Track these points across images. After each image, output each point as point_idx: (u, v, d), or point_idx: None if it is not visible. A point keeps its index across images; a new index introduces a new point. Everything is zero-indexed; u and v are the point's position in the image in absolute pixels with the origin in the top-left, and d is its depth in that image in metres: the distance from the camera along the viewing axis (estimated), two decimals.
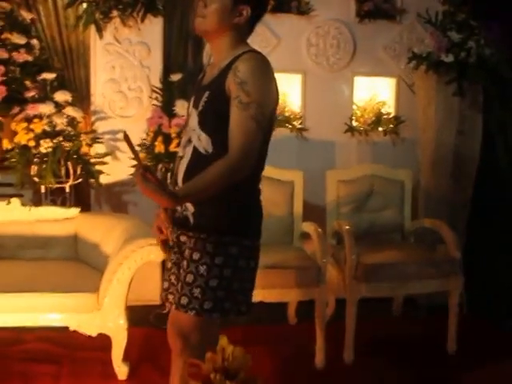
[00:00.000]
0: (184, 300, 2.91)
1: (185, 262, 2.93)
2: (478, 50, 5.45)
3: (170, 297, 3.09)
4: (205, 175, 2.72)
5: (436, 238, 5.14)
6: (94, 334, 4.21)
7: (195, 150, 2.88)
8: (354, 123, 5.99)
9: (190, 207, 2.88)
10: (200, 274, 2.88)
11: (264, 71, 2.82)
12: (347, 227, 4.75)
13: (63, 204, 5.17)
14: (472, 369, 4.63)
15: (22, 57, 5.18)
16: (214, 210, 2.87)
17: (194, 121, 2.91)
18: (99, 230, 4.76)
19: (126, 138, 2.77)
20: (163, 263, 5.09)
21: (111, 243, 4.50)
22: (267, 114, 2.82)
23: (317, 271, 4.48)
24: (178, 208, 2.92)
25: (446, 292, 4.87)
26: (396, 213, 5.41)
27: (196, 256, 2.89)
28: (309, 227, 4.77)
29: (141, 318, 4.82)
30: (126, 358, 4.25)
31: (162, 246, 3.09)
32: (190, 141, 2.91)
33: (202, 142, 2.86)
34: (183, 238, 2.99)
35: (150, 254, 4.22)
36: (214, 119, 2.83)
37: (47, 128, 4.99)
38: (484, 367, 4.65)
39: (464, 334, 4.95)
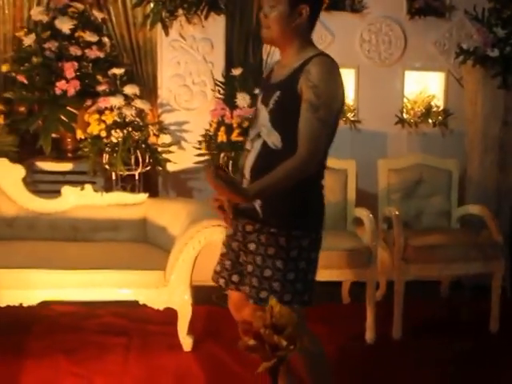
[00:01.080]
0: (264, 294, 2.98)
1: (259, 258, 3.01)
2: None
3: (221, 281, 3.25)
4: (275, 173, 2.80)
5: (481, 223, 5.23)
6: (161, 307, 4.45)
7: (265, 144, 2.98)
8: (405, 115, 6.05)
9: (257, 200, 2.97)
10: (277, 269, 2.98)
11: (333, 75, 2.92)
12: (396, 212, 4.86)
13: (133, 190, 5.34)
14: None
15: (93, 53, 5.40)
16: (283, 204, 2.95)
17: (264, 117, 3.00)
18: (166, 213, 4.95)
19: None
20: None
21: (178, 226, 4.69)
22: (334, 116, 2.93)
23: (368, 253, 4.66)
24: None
25: (490, 274, 4.97)
26: (443, 200, 5.49)
27: (271, 251, 2.98)
28: (361, 212, 4.91)
29: (204, 297, 4.94)
30: (191, 331, 4.49)
31: (219, 210, 3.15)
32: (259, 135, 3.00)
33: (272, 137, 2.96)
34: (249, 228, 3.07)
35: (213, 234, 4.42)
36: (285, 117, 2.93)
37: (118, 119, 5.17)
38: None
39: (507, 316, 5.07)
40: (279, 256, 2.98)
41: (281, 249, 2.98)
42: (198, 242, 4.46)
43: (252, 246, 3.05)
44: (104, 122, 5.18)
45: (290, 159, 2.83)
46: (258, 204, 2.97)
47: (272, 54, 5.46)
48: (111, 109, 5.21)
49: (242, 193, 2.78)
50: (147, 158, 5.33)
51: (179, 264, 4.44)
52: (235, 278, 3.19)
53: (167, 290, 4.44)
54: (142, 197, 5.10)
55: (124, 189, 5.39)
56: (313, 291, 3.12)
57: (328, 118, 2.89)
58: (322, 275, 3.29)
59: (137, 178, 5.40)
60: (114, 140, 5.16)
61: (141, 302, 4.50)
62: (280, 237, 2.98)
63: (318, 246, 3.11)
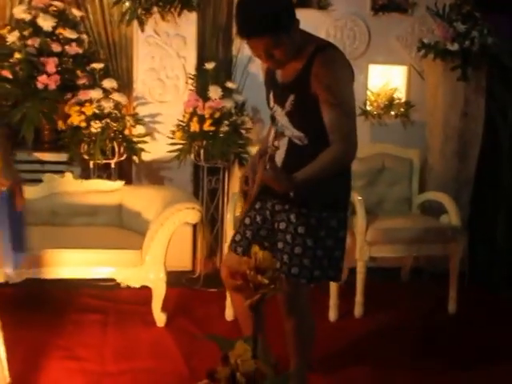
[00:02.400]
0: (295, 270, 3.22)
1: (289, 236, 3.22)
2: (481, 39, 5.77)
3: (239, 249, 3.45)
4: (319, 163, 2.97)
5: (440, 210, 5.52)
6: (137, 285, 4.80)
7: (291, 141, 3.21)
8: (368, 107, 6.28)
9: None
10: (308, 247, 3.20)
11: (342, 67, 3.08)
12: (359, 198, 5.09)
13: (108, 179, 5.58)
14: (469, 328, 5.11)
15: (73, 50, 5.60)
16: (313, 189, 3.07)
17: (283, 118, 3.21)
18: (141, 199, 5.28)
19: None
20: (194, 234, 5.75)
21: (152, 211, 5.00)
22: (353, 103, 3.11)
23: None
24: None
25: (449, 259, 5.29)
26: (405, 188, 5.80)
27: (302, 230, 3.19)
28: None
29: (175, 280, 5.29)
30: (164, 309, 4.83)
31: (243, 195, 3.35)
32: (283, 134, 3.20)
33: (297, 136, 3.18)
34: (279, 208, 3.29)
35: (187, 216, 4.80)
36: (305, 118, 3.13)
37: (97, 111, 5.40)
38: (481, 328, 5.14)
39: (464, 299, 5.41)
40: (310, 234, 3.21)
41: (311, 228, 3.21)
42: (172, 224, 4.79)
43: (282, 225, 3.27)
44: (84, 113, 5.41)
45: (328, 152, 3.01)
46: None
47: (242, 50, 5.76)
48: (91, 101, 5.42)
49: (291, 182, 2.93)
50: (123, 148, 5.59)
51: (155, 244, 4.77)
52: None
53: (143, 268, 4.77)
54: (119, 184, 5.41)
55: (100, 178, 5.63)
56: (340, 267, 3.40)
57: (350, 110, 3.09)
58: None
59: (113, 167, 5.65)
60: (94, 130, 5.38)
61: (118, 280, 4.89)
62: (310, 218, 3.20)
63: (346, 225, 3.36)
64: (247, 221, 3.46)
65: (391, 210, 5.76)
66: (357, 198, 5.13)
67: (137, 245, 4.78)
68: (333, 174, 3.06)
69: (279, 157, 3.22)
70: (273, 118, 3.35)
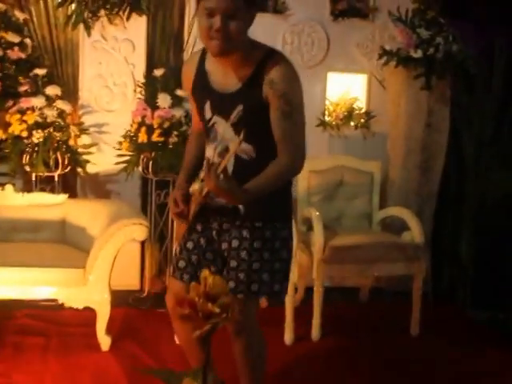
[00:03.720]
0: (255, 287, 3.17)
1: (244, 253, 3.16)
2: (445, 46, 5.75)
3: (186, 276, 3.30)
4: (269, 174, 2.96)
5: (402, 226, 5.47)
6: (80, 306, 4.67)
7: (237, 157, 3.10)
8: (327, 118, 6.23)
9: None
10: (266, 260, 3.16)
11: (295, 75, 3.05)
12: (317, 213, 5.04)
13: (52, 192, 5.46)
14: (433, 351, 5.00)
15: (15, 54, 5.47)
16: (267, 199, 3.02)
17: (227, 131, 3.10)
18: (86, 214, 5.16)
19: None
20: (142, 251, 5.69)
21: (97, 226, 4.91)
22: (304, 115, 3.08)
23: None
24: (223, 200, 3.03)
25: (411, 278, 5.22)
26: (365, 202, 5.74)
27: (258, 244, 3.15)
28: None
29: (121, 300, 5.21)
30: (109, 332, 4.71)
31: (177, 217, 3.24)
32: (227, 149, 3.06)
33: (244, 149, 3.09)
34: (227, 226, 3.22)
35: (134, 233, 4.70)
36: (253, 128, 3.03)
37: (39, 119, 5.30)
38: (445, 350, 5.03)
39: (428, 319, 5.34)
40: (266, 248, 3.17)
41: (267, 241, 3.17)
42: (118, 241, 4.69)
43: (235, 243, 3.19)
44: (25, 122, 5.31)
45: (278, 163, 3.00)
46: None
47: None
48: (33, 109, 5.34)
49: (243, 194, 2.89)
50: (67, 159, 5.49)
51: (99, 262, 4.65)
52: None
53: (86, 288, 4.65)
54: (62, 197, 5.28)
55: (43, 190, 5.52)
56: (288, 281, 3.36)
57: (302, 120, 3.06)
58: None
59: (56, 179, 5.54)
60: (36, 140, 5.28)
61: (60, 301, 4.70)
62: (266, 230, 3.16)
63: (292, 235, 3.34)
64: (190, 245, 3.35)
65: (350, 226, 5.69)
66: (314, 213, 5.09)
67: (80, 263, 4.66)
68: (281, 184, 3.06)
69: None
70: (210, 132, 3.22)
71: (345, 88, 6.37)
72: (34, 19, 5.84)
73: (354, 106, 6.34)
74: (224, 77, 3.09)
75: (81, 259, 4.68)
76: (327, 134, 6.29)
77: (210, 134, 3.20)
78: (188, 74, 3.26)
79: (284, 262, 3.27)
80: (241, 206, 3.11)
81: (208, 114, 3.18)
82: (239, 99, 3.06)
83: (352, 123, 6.31)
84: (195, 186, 3.13)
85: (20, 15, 5.74)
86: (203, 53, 3.19)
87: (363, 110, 6.37)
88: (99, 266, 4.66)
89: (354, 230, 5.56)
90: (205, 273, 2.29)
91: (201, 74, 3.18)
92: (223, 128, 3.13)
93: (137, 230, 4.71)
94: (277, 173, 3.00)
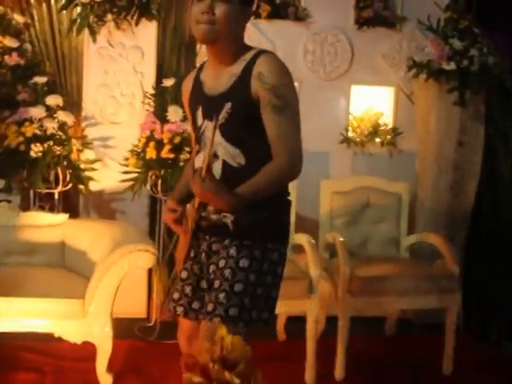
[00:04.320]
0: (234, 311, 2.89)
1: (228, 271, 2.92)
2: (480, 58, 5.46)
3: (179, 309, 3.12)
4: (262, 177, 2.79)
5: (433, 253, 5.16)
6: (78, 341, 4.29)
7: (225, 164, 2.91)
8: (350, 134, 6.01)
9: (228, 214, 2.91)
10: (250, 283, 2.91)
11: (286, 71, 2.88)
12: (341, 239, 4.77)
13: (51, 211, 5.21)
14: None
15: (13, 60, 5.24)
16: (255, 216, 2.88)
17: (216, 135, 2.89)
18: (87, 236, 4.84)
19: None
20: (150, 276, 5.40)
21: (99, 250, 4.57)
22: (298, 113, 2.89)
23: (308, 283, 4.50)
24: (213, 216, 2.94)
25: (442, 310, 4.88)
26: (392, 227, 5.44)
27: (244, 263, 2.91)
28: (301, 238, 4.77)
29: (126, 330, 4.91)
30: (110, 368, 4.33)
31: (174, 225, 3.09)
32: (215, 155, 2.90)
33: (232, 154, 2.91)
34: (216, 247, 3.01)
35: (138, 259, 4.34)
36: (241, 130, 2.89)
37: (38, 132, 5.02)
38: None
39: (460, 355, 4.95)
40: (253, 269, 2.92)
41: (255, 261, 2.92)
42: (121, 268, 4.33)
43: (221, 263, 2.96)
44: (23, 134, 5.02)
45: (273, 164, 2.82)
46: (229, 219, 2.91)
47: None
48: (31, 120, 5.06)
49: (232, 197, 2.72)
50: (68, 175, 5.21)
51: (100, 292, 4.28)
52: (196, 304, 3.10)
53: (86, 321, 4.28)
54: (62, 217, 4.96)
55: (42, 209, 5.27)
56: (274, 310, 3.07)
57: (296, 117, 2.87)
58: None
59: (56, 197, 5.26)
60: (34, 154, 5.01)
61: (56, 335, 4.33)
62: (255, 249, 2.93)
63: (284, 260, 3.08)
64: (184, 274, 3.14)
65: (376, 252, 5.39)
66: (338, 239, 4.83)
67: (79, 292, 4.27)
68: (277, 189, 2.89)
69: None
70: (200, 140, 3.03)
71: (370, 102, 6.13)
72: (36, 23, 5.60)
73: (380, 121, 6.08)
74: (216, 79, 2.97)
75: (80, 288, 4.32)
76: (351, 152, 6.03)
77: (200, 143, 3.03)
78: (186, 88, 3.19)
79: (267, 288, 3.00)
80: (230, 223, 2.91)
81: (199, 120, 3.04)
82: (228, 98, 2.91)
83: (377, 140, 6.05)
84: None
85: (20, 19, 5.52)
86: (201, 65, 3.14)
87: (390, 126, 6.10)
88: (100, 296, 4.29)
89: (381, 258, 5.26)
90: (221, 331, 1.94)
91: (197, 84, 3.09)
92: (212, 132, 2.86)
93: (142, 256, 4.34)
94: (271, 174, 2.82)
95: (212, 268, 3.01)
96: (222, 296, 2.89)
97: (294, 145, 2.84)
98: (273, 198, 2.86)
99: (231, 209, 2.78)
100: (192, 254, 3.11)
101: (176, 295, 3.14)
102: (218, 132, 2.86)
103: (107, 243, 4.55)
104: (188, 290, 3.10)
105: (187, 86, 3.15)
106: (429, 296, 4.86)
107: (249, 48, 2.95)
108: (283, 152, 2.80)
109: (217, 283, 2.94)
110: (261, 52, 2.90)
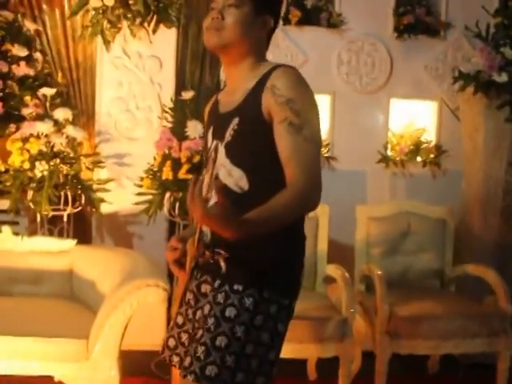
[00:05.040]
0: (212, 370, 2.48)
1: (212, 320, 2.53)
2: None
3: (175, 358, 2.77)
4: (272, 205, 2.36)
5: (482, 287, 4.85)
6: None
7: (227, 190, 2.52)
8: (389, 152, 5.75)
9: (222, 251, 2.53)
10: (236, 338, 2.49)
11: (305, 84, 2.54)
12: (379, 272, 4.48)
13: (61, 234, 4.98)
14: None
15: (21, 70, 5.05)
16: (256, 255, 2.51)
17: (220, 154, 2.60)
18: (96, 265, 4.57)
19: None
20: (169, 304, 5.01)
21: (107, 282, 4.31)
22: (319, 131, 2.57)
23: (342, 324, 4.15)
24: (207, 251, 2.56)
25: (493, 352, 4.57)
26: (435, 256, 5.14)
27: (231, 313, 2.50)
28: (334, 271, 4.45)
29: (141, 365, 4.66)
30: None
31: (174, 266, 2.70)
32: (217, 178, 2.58)
33: (234, 177, 2.55)
34: (205, 289, 2.62)
35: (148, 296, 4.02)
36: (248, 150, 2.55)
37: (44, 148, 4.76)
38: None
39: None
40: (241, 321, 2.48)
41: (245, 311, 2.49)
42: (129, 306, 3.98)
43: (206, 309, 2.57)
44: (28, 151, 4.76)
45: (287, 191, 2.40)
46: (222, 257, 2.53)
47: None
48: (37, 136, 4.79)
49: (239, 223, 2.27)
50: (79, 196, 4.92)
51: (105, 332, 3.92)
52: None
53: (89, 363, 3.93)
54: (69, 243, 4.69)
55: (51, 232, 5.00)
56: (272, 374, 2.61)
57: (315, 135, 2.50)
58: (283, 352, 2.75)
59: (65, 219, 4.96)
60: (38, 173, 4.72)
61: (56, 379, 4.05)
62: (246, 296, 2.50)
63: (288, 316, 2.63)
64: (179, 319, 2.75)
65: (418, 286, 5.03)
66: (376, 272, 4.50)
67: (83, 330, 3.92)
68: (290, 220, 2.42)
69: None
70: (207, 162, 2.70)
71: (410, 118, 5.84)
72: (48, 31, 5.36)
73: (422, 138, 5.78)
74: (230, 96, 2.64)
75: (85, 325, 3.98)
76: (389, 172, 5.74)
77: (207, 165, 2.70)
78: (206, 111, 2.90)
79: (261, 347, 2.54)
80: (222, 261, 2.51)
81: (210, 141, 2.72)
82: (237, 114, 2.57)
83: (419, 159, 5.75)
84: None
85: (31, 26, 5.30)
86: (222, 90, 2.87)
87: (432, 144, 5.80)
88: (106, 336, 3.92)
89: (423, 292, 4.88)
90: None
91: (215, 104, 2.79)
92: (220, 152, 2.60)
93: (152, 292, 3.99)
94: (285, 203, 2.36)
95: (198, 314, 2.63)
96: (200, 350, 2.52)
97: (313, 170, 2.44)
98: (280, 232, 2.45)
99: (236, 235, 2.30)
100: (187, 298, 2.72)
101: (172, 342, 2.79)
102: (222, 151, 2.55)
103: (116, 275, 4.27)
104: (184, 338, 2.73)
105: (208, 108, 2.87)
106: (477, 339, 4.53)
107: (267, 62, 2.65)
108: (300, 177, 2.40)
109: (199, 333, 2.57)
110: (279, 65, 2.58)
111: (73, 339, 3.90)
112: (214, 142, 2.64)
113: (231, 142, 2.54)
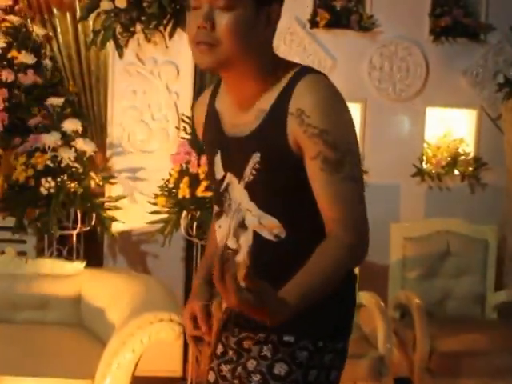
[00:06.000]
0: None
1: (257, 378, 2.11)
2: None
3: None
4: (315, 270, 1.93)
5: None
6: None
7: (258, 237, 2.07)
8: (425, 165, 5.38)
9: None
10: None
11: (339, 101, 1.98)
12: (418, 301, 4.09)
13: (70, 253, 4.65)
14: None
15: (29, 79, 4.76)
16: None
17: (242, 195, 2.09)
18: (106, 291, 4.22)
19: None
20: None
21: (117, 310, 3.93)
22: (360, 161, 2.08)
23: (378, 361, 3.79)
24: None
25: None
26: (477, 280, 4.76)
27: (281, 369, 2.09)
28: (367, 299, 4.09)
29: None
30: None
31: (194, 342, 2.25)
32: (243, 225, 2.09)
33: (267, 225, 2.06)
34: (248, 344, 2.20)
35: (161, 331, 3.62)
36: (278, 192, 2.03)
37: (50, 164, 4.41)
38: None
39: None
40: (293, 379, 2.06)
41: (298, 367, 2.06)
42: (139, 342, 3.57)
43: (251, 365, 2.14)
44: (33, 166, 4.41)
45: (329, 248, 1.95)
46: None
47: None
48: (44, 150, 4.44)
49: (280, 305, 1.82)
50: (89, 214, 4.58)
51: (113, 371, 3.51)
52: None
53: None
54: (78, 266, 4.35)
55: (60, 252, 4.69)
56: None
57: (357, 169, 1.99)
58: None
59: (74, 239, 4.63)
60: (44, 191, 4.36)
61: None
62: (299, 350, 2.09)
63: (343, 360, 2.20)
64: (211, 377, 2.29)
65: (457, 312, 4.65)
66: (414, 301, 4.13)
67: (89, 368, 3.50)
68: (337, 281, 1.97)
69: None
70: (223, 200, 2.14)
71: (448, 127, 5.47)
72: (59, 36, 5.09)
73: (460, 149, 5.40)
74: (237, 114, 2.07)
75: (92, 359, 3.56)
76: (425, 186, 5.36)
77: (223, 204, 2.15)
78: (198, 117, 2.27)
79: None
80: None
81: (219, 171, 2.15)
82: (254, 145, 2.01)
83: (457, 172, 5.38)
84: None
85: (40, 31, 5.00)
86: (215, 86, 2.22)
87: (471, 156, 5.42)
88: (113, 376, 3.53)
89: (465, 322, 4.50)
90: None
91: (212, 115, 2.17)
92: (237, 191, 2.09)
93: (165, 328, 3.58)
94: (329, 263, 1.93)
95: (239, 370, 2.18)
96: None
97: (358, 214, 1.96)
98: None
99: (281, 320, 1.87)
100: (220, 351, 2.26)
101: None
102: (244, 193, 2.05)
103: (127, 303, 3.92)
104: None
105: (199, 113, 2.24)
106: None
107: (283, 65, 2.02)
108: (343, 227, 1.94)
109: None
110: (300, 73, 1.97)
111: (76, 380, 3.53)
112: (228, 176, 2.11)
113: (254, 183, 2.02)
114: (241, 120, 2.03)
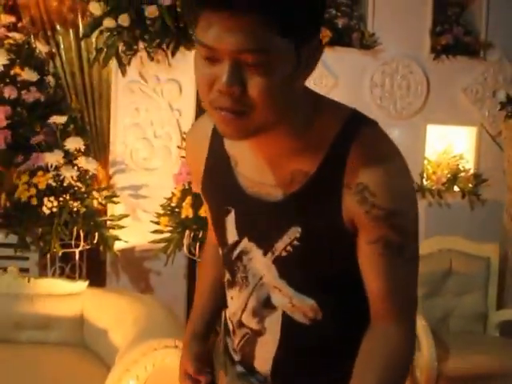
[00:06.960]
0: None
1: None
2: None
3: None
4: (367, 375, 1.52)
5: None
6: None
7: (288, 319, 1.66)
8: (425, 182, 5.16)
9: (265, 366, 1.70)
10: None
11: (403, 165, 1.54)
12: (424, 323, 3.79)
13: (73, 271, 4.48)
14: None
15: (32, 96, 4.51)
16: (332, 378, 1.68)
17: (267, 271, 1.64)
18: (109, 312, 3.92)
19: None
20: None
21: (121, 333, 3.62)
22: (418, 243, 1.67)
23: None
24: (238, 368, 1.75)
25: None
26: (479, 299, 4.53)
27: None
28: None
29: None
30: None
31: None
32: (270, 305, 1.67)
33: (300, 306, 1.65)
34: None
35: (166, 357, 3.21)
36: (318, 273, 1.62)
37: (52, 183, 4.20)
38: None
39: None
40: None
41: None
42: (143, 370, 3.22)
43: None
44: (35, 186, 4.20)
45: (381, 347, 1.54)
46: (267, 369, 1.72)
47: None
48: (46, 169, 4.24)
49: None
50: (91, 232, 4.36)
51: None
52: None
53: None
54: (80, 285, 4.04)
55: (62, 270, 4.50)
56: None
57: (417, 250, 1.58)
58: None
59: (77, 257, 4.42)
60: (46, 211, 4.15)
61: None
62: None
63: None
64: None
65: (460, 330, 4.41)
66: (421, 322, 3.79)
67: None
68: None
69: (265, 349, 1.68)
70: (235, 268, 1.67)
71: (448, 144, 5.29)
72: (62, 53, 4.99)
73: (460, 166, 5.22)
74: (263, 169, 1.55)
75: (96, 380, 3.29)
76: (425, 203, 5.13)
77: (234, 273, 1.68)
78: (195, 154, 1.70)
79: None
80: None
81: (232, 234, 1.65)
82: (293, 215, 1.54)
83: (457, 189, 5.18)
84: None
85: (43, 48, 4.88)
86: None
87: (471, 172, 5.23)
88: None
89: (470, 342, 4.24)
90: None
91: (216, 157, 1.64)
92: (260, 264, 1.61)
93: (170, 354, 3.20)
94: (385, 366, 1.49)
95: None
96: None
97: (413, 306, 1.58)
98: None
99: None
100: None
101: None
102: (272, 268, 1.59)
103: (129, 326, 3.61)
104: None
105: (196, 153, 1.69)
106: None
107: (320, 111, 1.50)
108: (398, 319, 1.54)
109: None
110: (350, 128, 1.48)
111: None
112: (244, 243, 1.65)
113: (288, 259, 1.58)
114: (267, 177, 1.55)
